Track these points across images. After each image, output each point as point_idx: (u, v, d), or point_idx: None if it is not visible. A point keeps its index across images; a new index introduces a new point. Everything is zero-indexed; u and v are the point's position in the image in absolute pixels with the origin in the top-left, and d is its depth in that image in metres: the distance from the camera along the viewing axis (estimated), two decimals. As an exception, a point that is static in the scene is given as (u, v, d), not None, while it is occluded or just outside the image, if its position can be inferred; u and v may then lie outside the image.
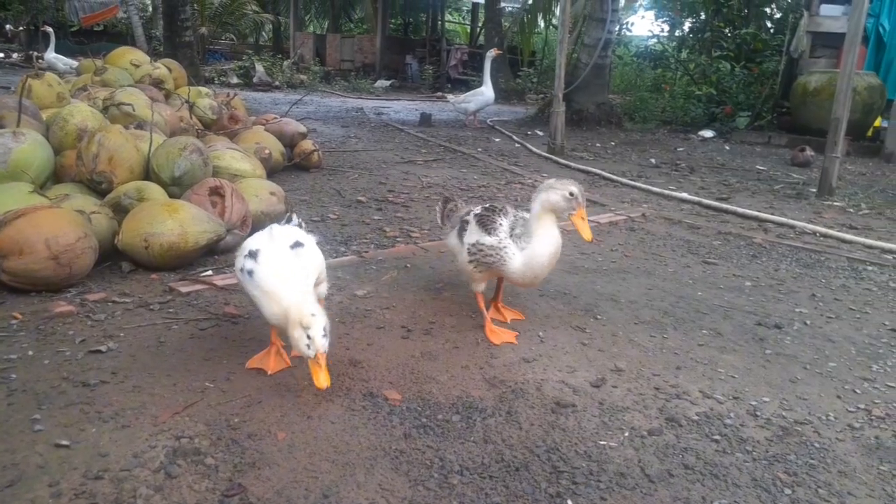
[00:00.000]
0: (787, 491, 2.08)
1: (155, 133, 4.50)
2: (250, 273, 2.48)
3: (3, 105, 4.65)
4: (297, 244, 2.58)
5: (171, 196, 4.07)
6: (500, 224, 2.97)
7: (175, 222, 3.60)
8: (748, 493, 2.06)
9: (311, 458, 2.10)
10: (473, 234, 3.03)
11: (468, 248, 3.02)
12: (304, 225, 2.93)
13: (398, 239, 4.61)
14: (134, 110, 4.93)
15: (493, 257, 2.93)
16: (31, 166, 3.95)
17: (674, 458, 2.21)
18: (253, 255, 2.52)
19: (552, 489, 2.03)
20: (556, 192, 2.86)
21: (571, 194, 2.84)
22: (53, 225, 3.28)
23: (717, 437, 2.35)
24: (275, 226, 2.74)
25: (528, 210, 3.04)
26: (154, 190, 4.00)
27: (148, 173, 4.26)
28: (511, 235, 2.95)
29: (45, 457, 2.02)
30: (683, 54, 16.51)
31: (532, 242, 2.89)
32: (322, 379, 2.32)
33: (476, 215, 3.07)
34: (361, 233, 4.70)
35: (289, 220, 2.89)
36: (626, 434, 2.33)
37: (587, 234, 2.88)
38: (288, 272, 2.48)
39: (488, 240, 2.95)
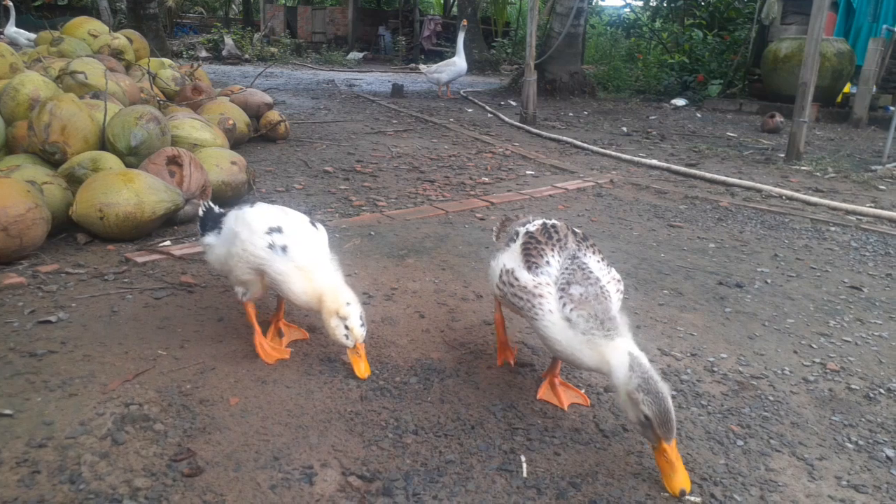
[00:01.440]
0: (740, 442, 2.09)
1: (111, 102, 4.38)
2: (284, 249, 2.28)
3: (-49, 75, 4.49)
4: (311, 221, 2.46)
5: (129, 166, 3.97)
6: (548, 259, 2.08)
7: (131, 192, 3.51)
8: (701, 444, 2.07)
9: (263, 422, 2.08)
10: (512, 259, 2.20)
11: (500, 273, 2.21)
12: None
13: (364, 208, 4.56)
14: (87, 78, 4.79)
15: (524, 301, 2.06)
16: (-20, 137, 3.83)
17: (629, 414, 2.21)
18: (278, 229, 2.32)
19: (507, 445, 2.02)
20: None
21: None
22: (1, 196, 3.19)
23: (673, 392, 2.36)
24: (259, 205, 2.51)
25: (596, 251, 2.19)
26: (110, 160, 3.90)
27: (104, 143, 4.15)
28: (558, 283, 2.02)
29: (-12, 427, 1.97)
30: (657, 23, 16.47)
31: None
32: (363, 369, 2.28)
33: (528, 233, 2.20)
34: (326, 202, 4.64)
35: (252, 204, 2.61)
36: (583, 392, 2.33)
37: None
38: (320, 248, 2.37)
39: (525, 277, 2.08)
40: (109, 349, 2.45)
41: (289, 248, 2.30)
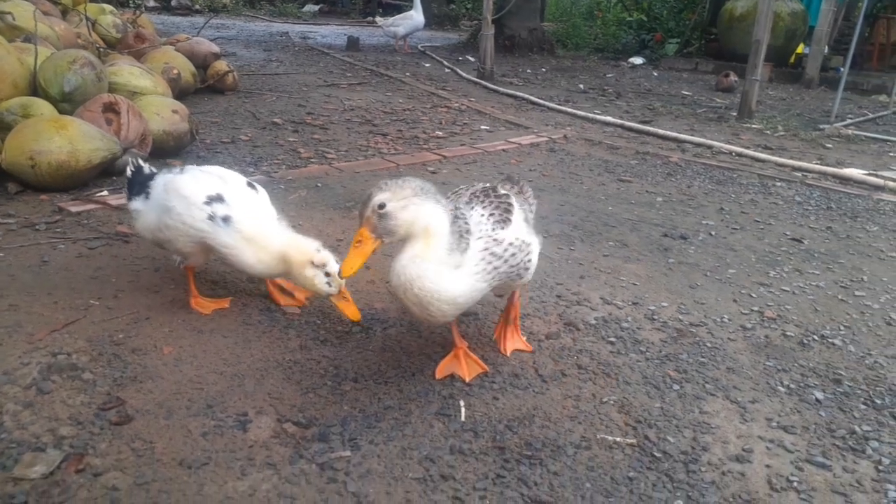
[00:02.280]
0: (676, 387, 2.13)
1: (43, 47, 4.16)
2: (226, 220, 2.15)
3: None
4: (249, 183, 2.31)
5: (62, 114, 3.79)
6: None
7: (64, 139, 3.36)
8: (637, 389, 2.10)
9: (197, 371, 2.03)
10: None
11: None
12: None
13: (312, 160, 4.46)
14: (14, 20, 4.54)
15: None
16: None
17: (568, 360, 2.23)
18: (218, 198, 2.18)
19: (446, 391, 2.02)
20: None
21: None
22: (-78, 141, 3.01)
23: (613, 339, 2.38)
24: (190, 169, 2.32)
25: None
26: (42, 106, 3.71)
27: (35, 89, 3.94)
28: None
29: None
30: (617, -20, 16.34)
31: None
32: (353, 311, 2.19)
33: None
34: (273, 154, 4.52)
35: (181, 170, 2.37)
36: (525, 339, 2.34)
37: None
38: (265, 212, 2.25)
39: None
40: (38, 299, 2.36)
41: (232, 218, 2.16)
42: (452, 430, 1.86)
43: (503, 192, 2.05)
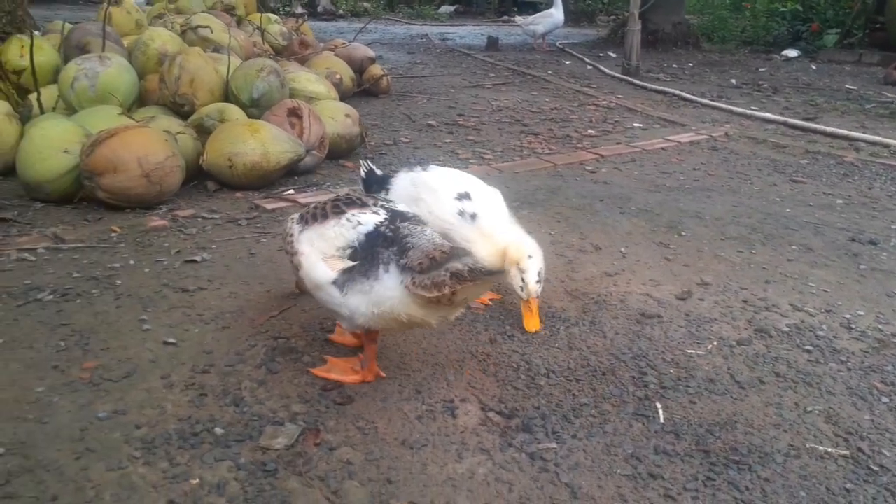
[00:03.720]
0: (885, 399, 2.03)
1: (232, 57, 4.55)
2: (473, 216, 2.33)
3: (86, 32, 4.77)
4: (488, 185, 2.48)
5: (251, 118, 4.13)
6: None
7: (257, 142, 3.67)
8: (843, 400, 2.02)
9: (402, 359, 2.18)
10: None
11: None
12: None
13: (471, 161, 4.59)
14: (212, 33, 4.99)
15: None
16: (118, 90, 4.07)
17: (764, 367, 2.18)
18: (466, 196, 2.37)
19: (640, 392, 2.04)
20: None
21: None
22: (144, 144, 3.39)
23: (809, 347, 2.30)
24: (433, 167, 2.57)
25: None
26: (234, 111, 4.07)
27: (227, 95, 4.33)
28: None
29: (156, 353, 2.15)
30: (767, -32, 15.43)
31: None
32: (532, 323, 2.30)
33: None
34: (434, 156, 4.69)
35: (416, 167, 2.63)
36: (714, 344, 2.31)
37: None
38: (500, 211, 2.41)
39: None
40: (252, 288, 2.61)
41: (478, 215, 2.32)
42: (653, 430, 1.88)
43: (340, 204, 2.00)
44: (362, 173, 2.66)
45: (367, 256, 1.86)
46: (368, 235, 1.88)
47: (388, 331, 2.08)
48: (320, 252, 1.93)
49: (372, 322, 1.88)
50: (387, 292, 1.80)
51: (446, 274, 1.71)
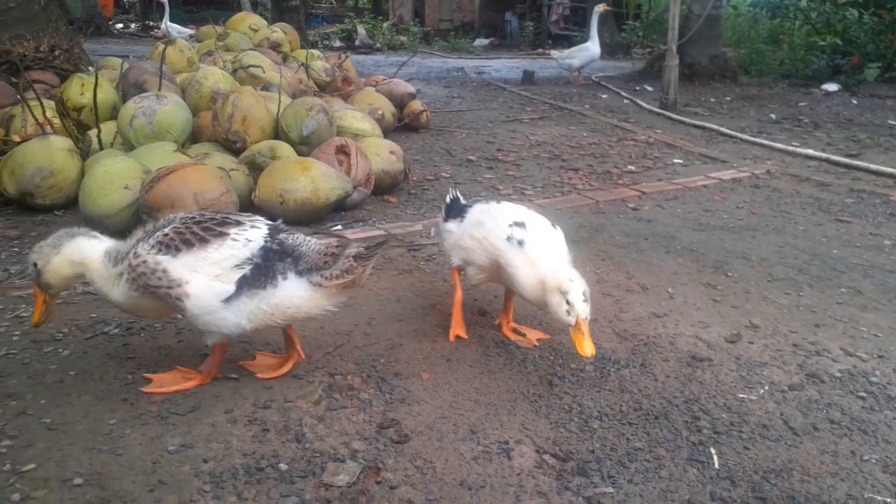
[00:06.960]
0: (945, 450, 2.01)
1: (284, 95, 4.71)
2: (521, 243, 2.37)
3: (143, 70, 4.98)
4: (552, 223, 2.54)
5: (299, 154, 4.27)
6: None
7: (308, 179, 3.79)
8: (901, 450, 2.01)
9: (455, 398, 2.22)
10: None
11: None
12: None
13: (512, 196, 4.65)
14: (264, 72, 5.17)
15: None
16: (173, 126, 4.25)
17: (818, 413, 2.18)
18: (520, 224, 2.44)
19: (694, 437, 2.06)
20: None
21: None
22: (200, 180, 3.53)
23: (863, 394, 2.29)
24: (505, 203, 2.67)
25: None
26: (285, 148, 4.21)
27: (277, 133, 4.47)
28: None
29: (218, 387, 2.23)
30: (804, 2, 15.40)
31: None
32: (586, 347, 2.15)
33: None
34: (475, 191, 4.76)
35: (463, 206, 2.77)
36: (766, 388, 2.31)
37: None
38: (558, 249, 2.43)
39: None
40: (306, 323, 2.68)
41: (525, 242, 2.37)
42: (708, 476, 1.89)
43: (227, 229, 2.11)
44: (448, 199, 2.82)
45: (263, 268, 2.07)
46: (262, 249, 2.09)
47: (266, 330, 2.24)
48: (208, 276, 2.05)
49: (261, 325, 2.12)
50: (292, 297, 2.08)
51: (350, 259, 2.08)
